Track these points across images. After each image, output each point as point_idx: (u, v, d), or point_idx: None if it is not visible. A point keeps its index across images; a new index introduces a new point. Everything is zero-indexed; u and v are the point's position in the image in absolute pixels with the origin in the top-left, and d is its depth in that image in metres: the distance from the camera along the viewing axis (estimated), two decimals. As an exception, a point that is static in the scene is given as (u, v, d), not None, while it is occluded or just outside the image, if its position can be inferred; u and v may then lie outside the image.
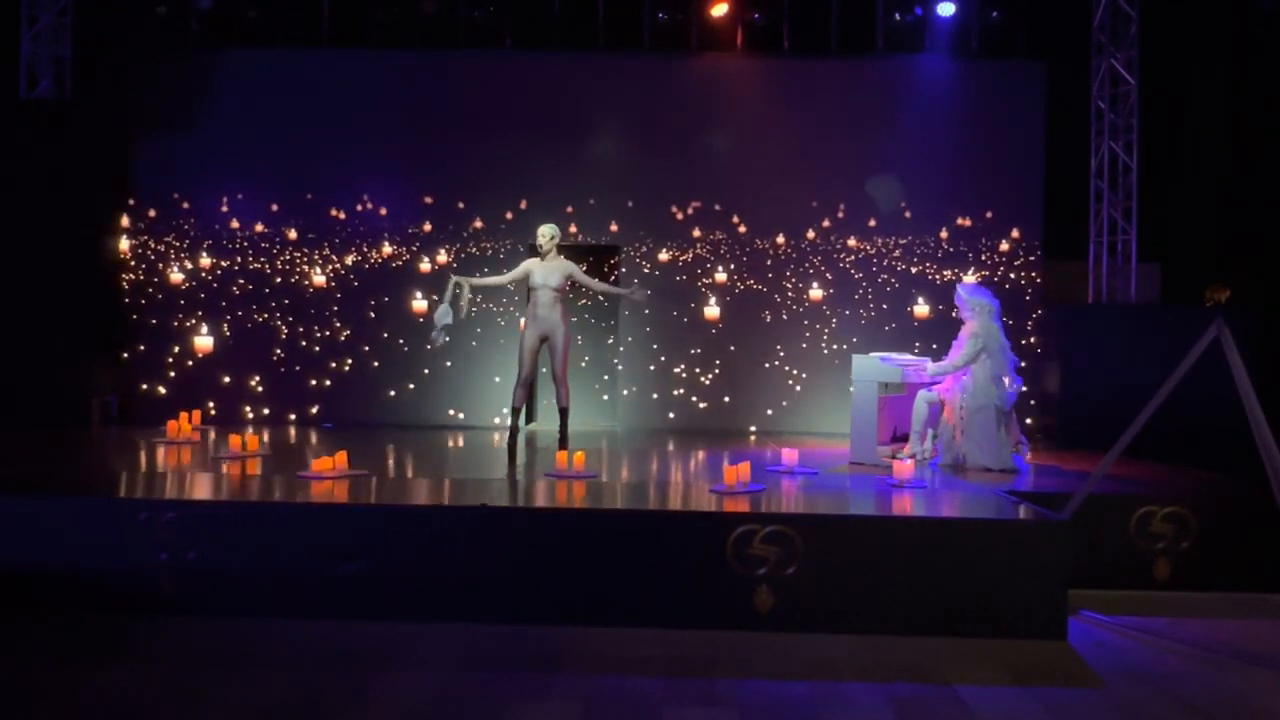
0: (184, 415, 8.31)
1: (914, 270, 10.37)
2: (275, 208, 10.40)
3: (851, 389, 7.75)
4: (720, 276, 10.43)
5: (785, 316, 10.44)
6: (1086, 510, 5.49)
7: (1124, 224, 10.32)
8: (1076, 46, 10.54)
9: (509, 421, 7.85)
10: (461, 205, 10.42)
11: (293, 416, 10.32)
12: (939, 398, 7.54)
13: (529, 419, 10.21)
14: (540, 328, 7.49)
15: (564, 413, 7.67)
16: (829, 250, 10.44)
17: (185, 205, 10.36)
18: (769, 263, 10.47)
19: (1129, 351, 9.16)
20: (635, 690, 4.28)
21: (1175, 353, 5.40)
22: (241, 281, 10.42)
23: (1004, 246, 10.31)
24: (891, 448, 7.75)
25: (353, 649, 4.69)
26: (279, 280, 10.43)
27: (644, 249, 10.45)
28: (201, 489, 5.87)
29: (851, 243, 10.41)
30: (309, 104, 10.33)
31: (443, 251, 10.31)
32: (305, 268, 10.43)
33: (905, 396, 7.91)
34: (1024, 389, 7.64)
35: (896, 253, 10.39)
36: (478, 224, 10.43)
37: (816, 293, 10.40)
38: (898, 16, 10.52)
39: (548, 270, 7.52)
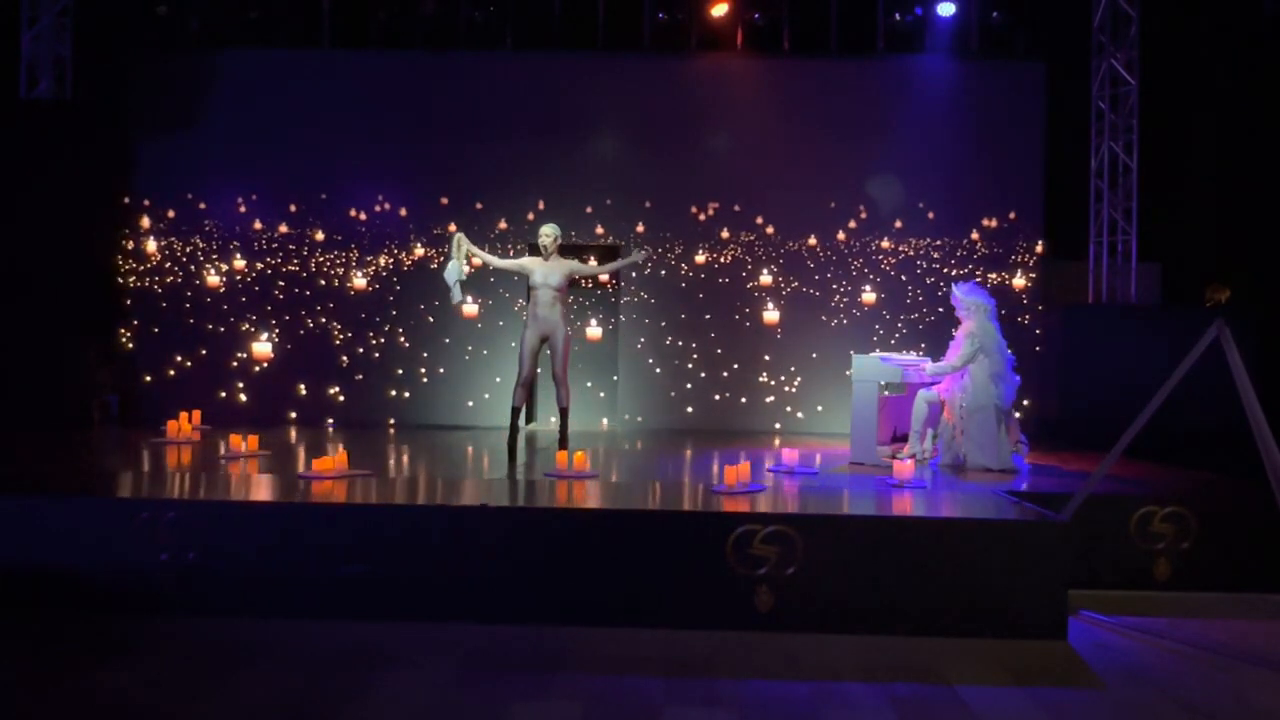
0: (184, 415, 8.31)
1: (949, 272, 10.32)
2: (294, 208, 10.40)
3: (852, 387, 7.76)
4: (765, 279, 10.40)
5: (846, 321, 10.37)
6: (1086, 510, 5.49)
7: (1124, 224, 10.32)
8: (1076, 46, 10.55)
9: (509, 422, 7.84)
10: (480, 206, 10.39)
11: (318, 422, 10.33)
12: (939, 397, 7.55)
13: (529, 419, 10.21)
14: (540, 328, 7.49)
15: (564, 413, 7.66)
16: (869, 253, 10.40)
17: (202, 206, 10.37)
18: (812, 265, 10.43)
19: (1129, 351, 9.15)
20: (635, 690, 4.27)
21: (1175, 353, 5.40)
22: (281, 284, 10.42)
23: (1039, 248, 10.32)
24: (891, 448, 7.75)
25: (353, 649, 4.69)
26: (323, 283, 10.43)
27: (679, 250, 10.44)
28: (201, 489, 5.86)
29: (885, 244, 10.38)
30: (309, 104, 10.33)
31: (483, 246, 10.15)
32: (340, 269, 10.42)
33: (905, 396, 7.91)
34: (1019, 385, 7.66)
35: (936, 255, 10.36)
36: (502, 225, 10.41)
37: (869, 296, 10.34)
38: (898, 16, 10.53)
39: (548, 269, 7.52)
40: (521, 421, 7.77)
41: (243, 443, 7.35)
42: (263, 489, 5.90)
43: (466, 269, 7.54)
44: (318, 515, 5.16)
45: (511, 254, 10.08)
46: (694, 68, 10.52)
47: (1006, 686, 4.41)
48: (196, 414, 8.58)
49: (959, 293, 7.55)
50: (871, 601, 4.94)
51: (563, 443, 7.47)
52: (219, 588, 5.02)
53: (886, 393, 7.74)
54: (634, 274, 10.46)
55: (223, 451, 7.32)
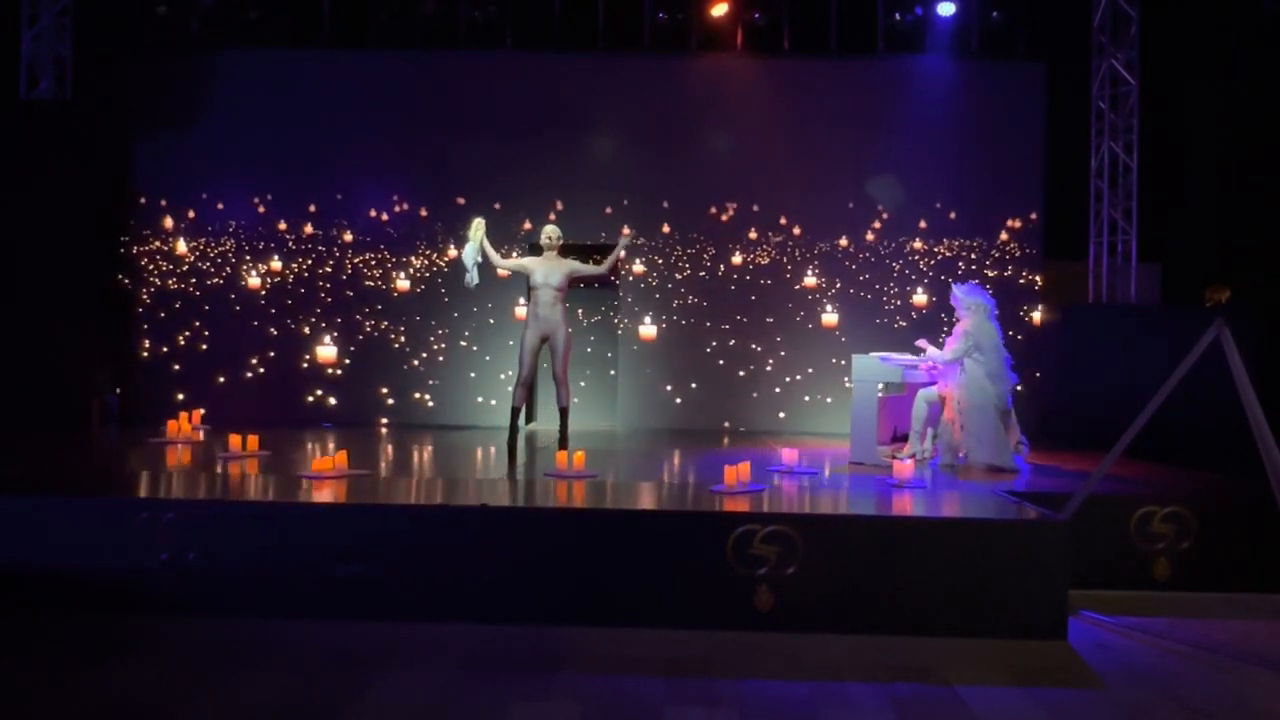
0: (184, 415, 8.30)
1: (977, 270, 10.28)
2: (313, 208, 10.37)
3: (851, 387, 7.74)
4: (810, 280, 10.32)
5: (904, 323, 10.20)
6: (1086, 510, 5.49)
7: (1124, 224, 10.32)
8: (1076, 46, 10.53)
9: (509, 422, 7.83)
10: (498, 206, 10.29)
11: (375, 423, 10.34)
12: (939, 397, 7.55)
13: (529, 419, 10.20)
14: (541, 328, 7.49)
15: (564, 413, 7.67)
16: (905, 254, 10.32)
17: (220, 206, 10.35)
18: (854, 267, 10.35)
19: (1129, 351, 9.14)
20: (635, 690, 4.28)
21: (1175, 353, 5.40)
22: (319, 286, 10.41)
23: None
24: (891, 448, 7.75)
25: (353, 649, 4.70)
26: (369, 284, 10.40)
27: (711, 251, 10.39)
28: (201, 489, 5.86)
29: (918, 245, 10.33)
30: (310, 105, 10.30)
31: (511, 252, 9.86)
32: (378, 271, 10.38)
33: (905, 396, 7.91)
34: (1019, 387, 7.64)
35: (973, 256, 10.30)
36: (527, 225, 10.36)
37: (920, 298, 10.22)
38: (898, 16, 10.51)
39: (549, 269, 7.52)
40: (521, 421, 7.77)
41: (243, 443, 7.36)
42: (263, 489, 5.89)
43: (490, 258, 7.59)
44: (318, 515, 5.16)
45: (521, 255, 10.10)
46: (694, 68, 10.50)
47: (1006, 686, 4.41)
48: (197, 414, 8.57)
49: (959, 292, 7.58)
50: (871, 601, 4.94)
51: (563, 443, 7.47)
52: (219, 588, 5.03)
53: (886, 392, 7.73)
54: (676, 276, 10.44)
55: (222, 451, 7.31)
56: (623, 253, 7.69)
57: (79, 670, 4.36)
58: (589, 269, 7.77)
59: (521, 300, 9.86)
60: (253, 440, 7.41)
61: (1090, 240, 10.59)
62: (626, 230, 7.72)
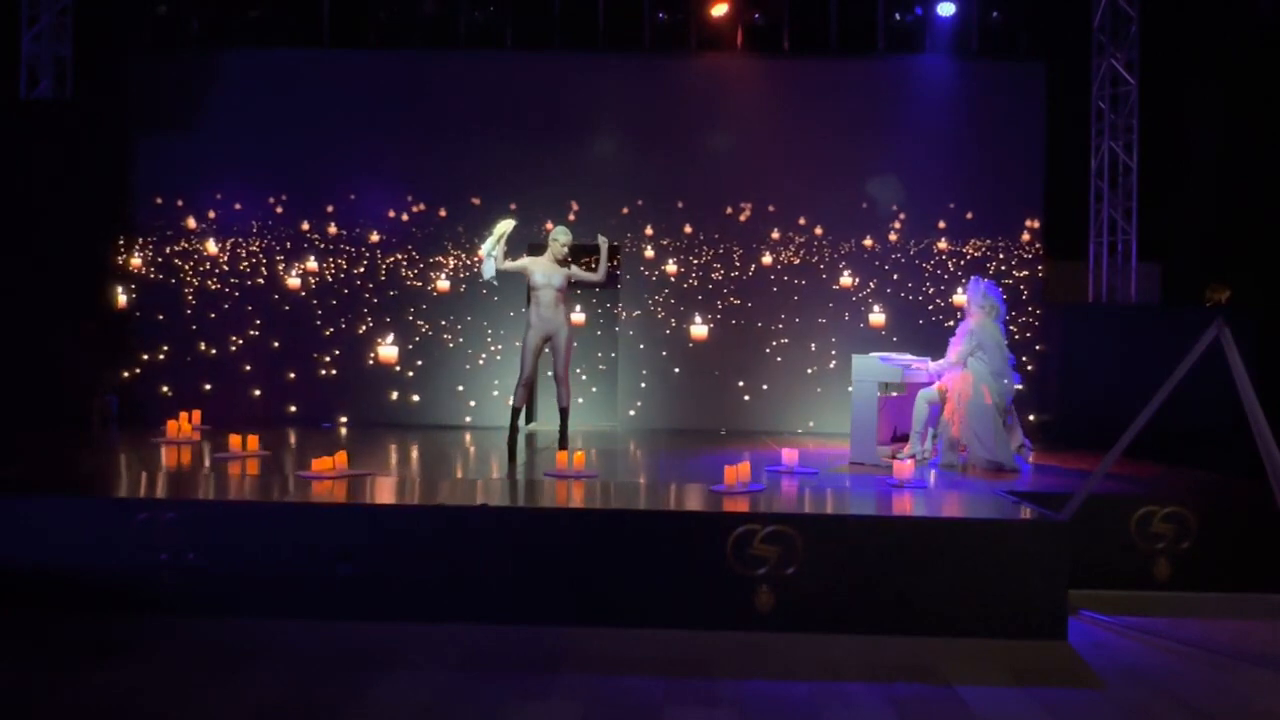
0: (184, 415, 8.30)
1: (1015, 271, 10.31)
2: (330, 209, 10.36)
3: (851, 389, 7.75)
4: (846, 280, 10.26)
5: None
6: (1086, 510, 5.48)
7: (1124, 224, 10.32)
8: (1076, 46, 10.55)
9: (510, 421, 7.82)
10: (513, 206, 10.15)
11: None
12: (939, 397, 7.56)
13: (529, 419, 10.20)
14: (544, 329, 7.49)
15: (564, 413, 7.66)
16: (935, 255, 10.28)
17: (238, 206, 10.35)
18: (887, 267, 10.32)
19: (1129, 351, 9.15)
20: (635, 690, 4.28)
21: (1175, 353, 5.40)
22: (352, 287, 10.41)
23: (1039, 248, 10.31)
24: (891, 448, 7.75)
25: (353, 649, 4.70)
26: (410, 284, 10.39)
27: (739, 252, 10.37)
28: (201, 489, 5.86)
29: (943, 245, 10.28)
30: (310, 104, 10.30)
31: (525, 253, 9.57)
32: (412, 271, 10.37)
33: (905, 396, 7.91)
34: (1020, 387, 7.64)
35: (1001, 255, 10.26)
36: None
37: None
38: (898, 16, 10.52)
39: (550, 270, 7.51)
40: (522, 421, 7.77)
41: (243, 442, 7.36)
42: (263, 489, 5.89)
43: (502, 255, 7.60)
44: (318, 515, 5.16)
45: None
46: (694, 68, 10.50)
47: (1006, 686, 4.42)
48: (196, 414, 8.57)
49: (981, 288, 7.57)
50: (871, 601, 4.93)
51: (563, 443, 7.47)
52: (219, 588, 5.02)
53: (886, 392, 7.74)
54: (715, 277, 10.43)
55: (223, 451, 7.31)
56: (603, 248, 7.71)
57: (79, 670, 4.36)
58: (587, 274, 7.73)
59: (577, 308, 9.76)
60: (253, 440, 7.41)
61: (1090, 240, 10.60)
62: (601, 241, 7.73)
